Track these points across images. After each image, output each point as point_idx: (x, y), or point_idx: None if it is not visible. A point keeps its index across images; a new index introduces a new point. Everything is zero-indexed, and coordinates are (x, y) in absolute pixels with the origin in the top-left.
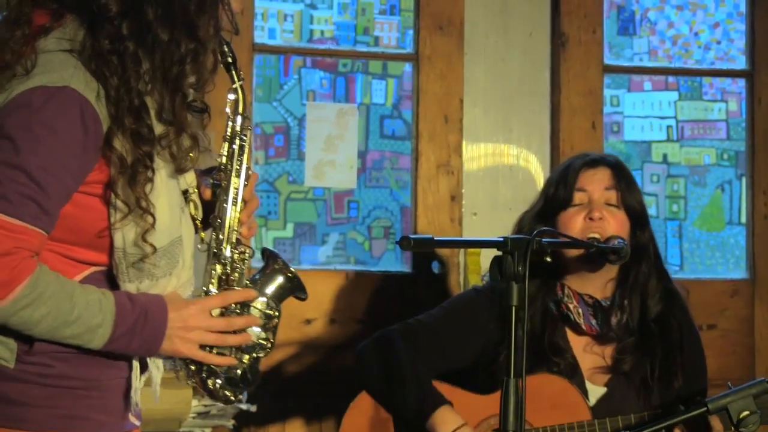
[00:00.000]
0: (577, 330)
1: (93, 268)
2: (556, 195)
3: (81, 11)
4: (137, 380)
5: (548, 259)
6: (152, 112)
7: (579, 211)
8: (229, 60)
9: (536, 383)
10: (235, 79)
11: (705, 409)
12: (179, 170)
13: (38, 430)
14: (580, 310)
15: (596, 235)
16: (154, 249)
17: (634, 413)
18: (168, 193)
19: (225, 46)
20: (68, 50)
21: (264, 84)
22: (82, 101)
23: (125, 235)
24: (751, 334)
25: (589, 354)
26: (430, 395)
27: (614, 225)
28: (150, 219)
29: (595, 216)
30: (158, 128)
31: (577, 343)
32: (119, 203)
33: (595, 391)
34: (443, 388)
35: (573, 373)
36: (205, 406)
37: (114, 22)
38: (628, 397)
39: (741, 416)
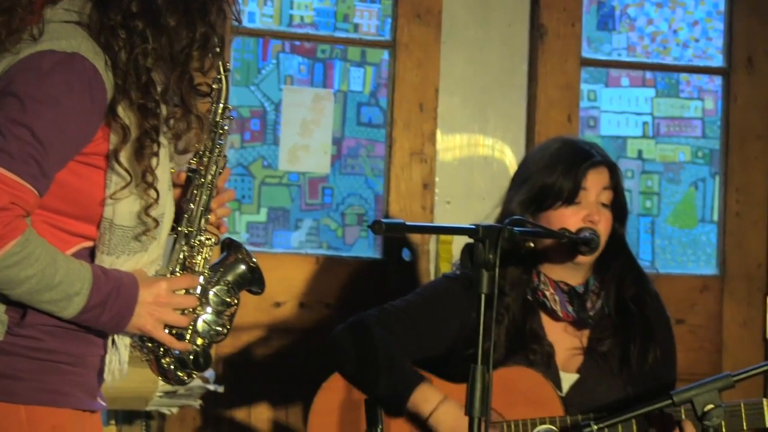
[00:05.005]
0: (553, 316)
1: (82, 244)
2: (558, 187)
3: None
4: (113, 356)
5: (531, 245)
6: (159, 89)
7: (577, 211)
8: (218, 49)
9: (512, 377)
10: (221, 69)
11: (670, 401)
12: (183, 151)
13: (25, 403)
14: (556, 297)
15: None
16: (157, 223)
17: (608, 398)
18: (164, 170)
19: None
20: (76, 22)
21: (242, 68)
22: (90, 68)
23: (119, 206)
24: (719, 330)
25: (564, 340)
26: (407, 375)
27: (605, 225)
28: (154, 194)
29: (595, 219)
30: (163, 107)
31: (553, 330)
32: (122, 172)
33: (568, 379)
34: None
35: (548, 362)
36: (173, 385)
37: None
38: (601, 382)
39: (705, 409)
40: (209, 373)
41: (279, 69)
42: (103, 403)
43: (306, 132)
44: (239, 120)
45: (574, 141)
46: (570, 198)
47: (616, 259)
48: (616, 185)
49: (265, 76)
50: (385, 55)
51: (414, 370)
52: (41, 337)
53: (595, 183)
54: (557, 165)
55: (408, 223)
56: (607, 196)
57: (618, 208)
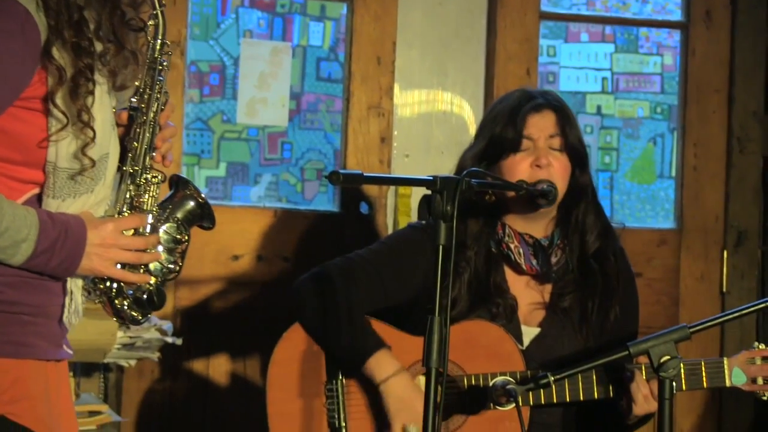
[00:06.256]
0: (517, 270)
1: (33, 191)
2: (503, 136)
3: None
4: (71, 301)
5: (491, 198)
6: (92, 26)
7: (525, 158)
8: None
9: (474, 330)
10: (156, 4)
11: (627, 353)
12: (120, 87)
13: None
14: (521, 250)
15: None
16: (93, 163)
17: (568, 352)
18: (103, 109)
19: None
20: None
21: (201, 22)
22: (22, 11)
23: (60, 148)
24: (677, 283)
25: (527, 294)
26: (369, 337)
27: (559, 169)
28: (90, 133)
29: (542, 163)
30: (97, 45)
31: (516, 283)
32: (59, 114)
33: (530, 333)
34: (378, 326)
35: (511, 315)
36: (131, 338)
37: None
38: (562, 337)
39: (662, 360)
40: (167, 325)
41: (238, 23)
42: (70, 351)
43: (264, 85)
44: (198, 74)
45: (528, 90)
46: (514, 146)
47: (579, 210)
48: (564, 128)
49: (224, 31)
50: (344, 9)
51: (375, 333)
52: (1, 289)
53: (539, 128)
54: (503, 115)
55: (366, 174)
56: (557, 142)
57: (574, 153)
